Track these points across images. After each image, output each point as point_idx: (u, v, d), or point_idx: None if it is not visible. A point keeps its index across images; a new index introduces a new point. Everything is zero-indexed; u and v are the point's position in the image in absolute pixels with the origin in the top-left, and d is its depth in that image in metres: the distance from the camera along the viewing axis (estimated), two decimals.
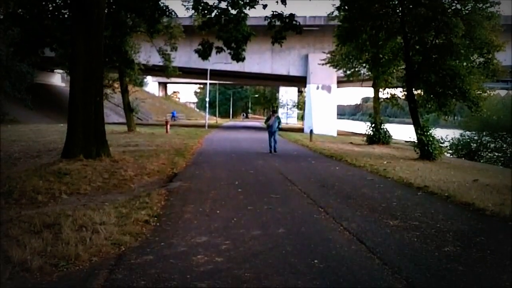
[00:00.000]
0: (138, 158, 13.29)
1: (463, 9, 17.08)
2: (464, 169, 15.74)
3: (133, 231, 5.67)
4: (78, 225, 5.73)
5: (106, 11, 15.19)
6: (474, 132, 31.44)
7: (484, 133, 30.93)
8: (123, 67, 24.95)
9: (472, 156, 29.39)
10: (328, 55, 29.84)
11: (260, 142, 23.65)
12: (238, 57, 17.44)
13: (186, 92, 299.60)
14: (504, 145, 30.21)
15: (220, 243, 5.34)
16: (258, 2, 16.50)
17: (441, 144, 18.77)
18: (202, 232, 5.84)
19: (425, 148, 17.15)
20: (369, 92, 44.93)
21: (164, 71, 28.99)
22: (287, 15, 16.89)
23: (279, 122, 18.52)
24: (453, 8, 17.07)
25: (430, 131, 17.53)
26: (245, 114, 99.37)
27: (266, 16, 17.04)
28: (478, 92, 18.24)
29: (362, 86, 43.49)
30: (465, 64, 17.90)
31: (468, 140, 31.23)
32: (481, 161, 28.26)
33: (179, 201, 7.88)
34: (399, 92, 24.84)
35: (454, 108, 20.13)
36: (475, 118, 28.13)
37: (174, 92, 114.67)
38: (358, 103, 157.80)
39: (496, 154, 30.02)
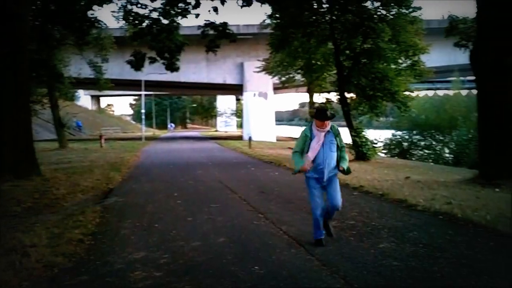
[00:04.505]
0: (71, 175, 12.79)
1: (388, 14, 17.84)
2: (397, 167, 16.37)
3: (66, 251, 5.43)
4: (6, 249, 5.42)
5: (31, 24, 14.61)
6: (405, 132, 32.78)
7: (414, 132, 32.33)
8: (52, 82, 24.04)
9: (404, 154, 30.59)
10: (263, 63, 30.26)
11: (199, 152, 23.56)
12: (172, 67, 17.35)
13: (121, 104, 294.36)
14: (433, 143, 31.71)
15: (158, 257, 5.22)
16: (190, 11, 16.48)
17: (374, 145, 19.46)
18: (139, 247, 5.69)
19: (359, 149, 17.69)
20: (306, 97, 45.88)
21: (96, 83, 28.20)
22: (220, 23, 17.00)
23: (339, 141, 5.61)
24: (378, 14, 17.78)
25: (363, 133, 18.12)
26: (173, 125, 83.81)
27: (199, 25, 17.05)
28: (406, 93, 19.10)
29: (297, 92, 44.32)
30: (393, 66, 18.68)
31: (400, 139, 32.53)
32: (413, 159, 29.49)
33: (115, 217, 7.65)
34: (333, 96, 25.53)
35: (385, 110, 20.93)
36: (405, 118, 29.36)
37: (108, 105, 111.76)
38: (296, 109, 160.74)
39: (426, 151, 31.42)
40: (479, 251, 5.14)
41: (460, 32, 15.55)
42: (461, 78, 35.67)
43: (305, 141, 5.60)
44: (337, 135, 5.61)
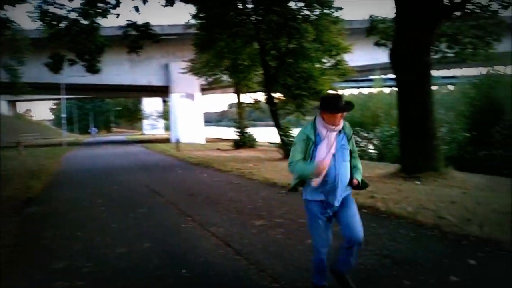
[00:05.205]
0: None
1: (311, 15, 18.25)
2: None
3: None
4: None
5: None
6: None
7: None
8: None
9: None
10: (189, 64, 29.92)
11: (124, 157, 22.96)
12: (93, 69, 16.74)
13: (40, 109, 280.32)
14: (358, 139, 32.89)
15: (81, 266, 5.00)
16: (110, 11, 15.92)
17: None
18: (61, 256, 5.42)
19: (287, 148, 17.97)
20: (234, 98, 46.03)
21: (12, 88, 26.60)
22: (143, 24, 16.62)
23: (352, 145, 3.79)
24: (302, 14, 18.13)
25: (290, 132, 18.45)
26: (96, 130, 79.26)
27: (121, 26, 16.58)
28: (331, 91, 19.67)
29: (225, 93, 44.29)
30: (317, 66, 19.17)
31: None
32: None
33: (35, 227, 7.25)
34: (261, 96, 25.75)
35: (310, 108, 21.42)
36: None
37: (27, 110, 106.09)
38: (225, 110, 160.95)
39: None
40: (401, 242, 5.37)
41: (380, 31, 16.18)
42: (383, 76, 37.23)
43: (308, 145, 3.62)
44: (351, 136, 3.80)
